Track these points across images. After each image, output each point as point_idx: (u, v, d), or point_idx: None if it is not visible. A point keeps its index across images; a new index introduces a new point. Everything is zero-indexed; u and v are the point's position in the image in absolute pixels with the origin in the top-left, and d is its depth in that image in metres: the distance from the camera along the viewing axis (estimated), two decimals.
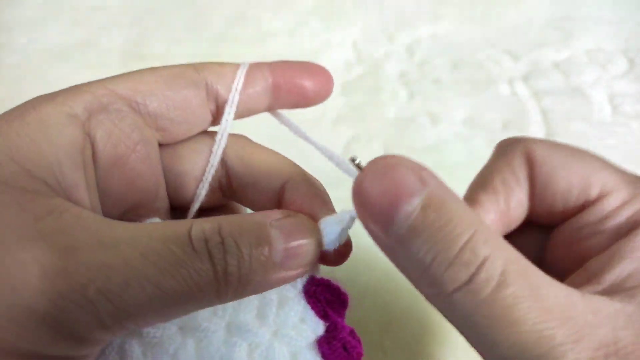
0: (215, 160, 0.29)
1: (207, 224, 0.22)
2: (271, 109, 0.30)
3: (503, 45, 0.68)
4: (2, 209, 0.21)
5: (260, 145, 0.31)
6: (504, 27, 0.71)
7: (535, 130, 0.58)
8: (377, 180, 0.20)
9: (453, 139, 0.57)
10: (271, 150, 0.31)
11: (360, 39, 0.70)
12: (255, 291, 0.23)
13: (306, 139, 0.29)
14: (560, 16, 0.71)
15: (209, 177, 0.29)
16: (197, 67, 0.28)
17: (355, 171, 0.24)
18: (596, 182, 0.25)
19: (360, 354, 0.28)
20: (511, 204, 0.27)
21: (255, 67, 0.29)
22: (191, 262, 0.21)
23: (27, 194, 0.21)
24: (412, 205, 0.20)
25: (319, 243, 0.25)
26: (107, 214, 0.26)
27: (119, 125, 0.26)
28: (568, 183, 0.26)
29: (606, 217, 0.25)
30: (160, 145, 0.29)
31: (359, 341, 0.29)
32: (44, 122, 0.23)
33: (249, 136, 0.31)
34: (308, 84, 0.29)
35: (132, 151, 0.26)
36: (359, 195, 0.21)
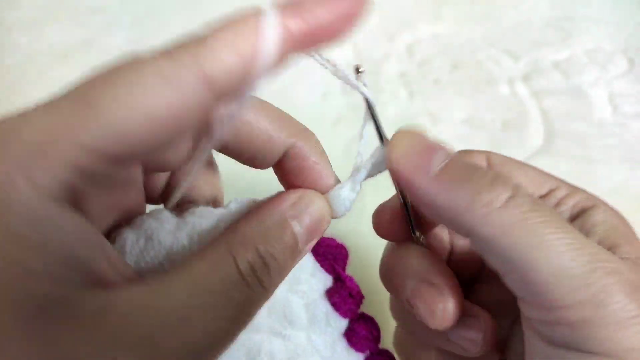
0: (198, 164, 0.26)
1: (248, 253, 0.23)
2: (298, 51, 0.23)
3: (503, 45, 0.68)
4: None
5: (265, 102, 0.28)
6: (504, 27, 0.71)
7: (535, 130, 0.58)
8: (410, 139, 0.25)
9: (453, 139, 0.57)
10: (277, 109, 0.28)
11: (360, 39, 0.70)
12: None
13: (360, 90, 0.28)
14: (560, 16, 0.71)
15: (192, 172, 0.26)
16: (206, 67, 0.20)
17: (357, 83, 0.27)
18: (545, 183, 0.29)
19: (362, 297, 0.33)
20: None
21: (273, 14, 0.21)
22: (249, 297, 0.22)
23: (67, 303, 0.18)
24: (442, 154, 0.24)
25: (329, 216, 0.27)
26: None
27: (106, 186, 0.23)
28: (524, 181, 0.29)
29: (557, 205, 0.28)
30: None
31: (358, 287, 0.33)
32: (38, 218, 0.18)
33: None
34: (334, 20, 0.23)
35: (122, 195, 0.25)
36: (396, 149, 0.25)
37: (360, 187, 0.28)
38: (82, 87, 0.19)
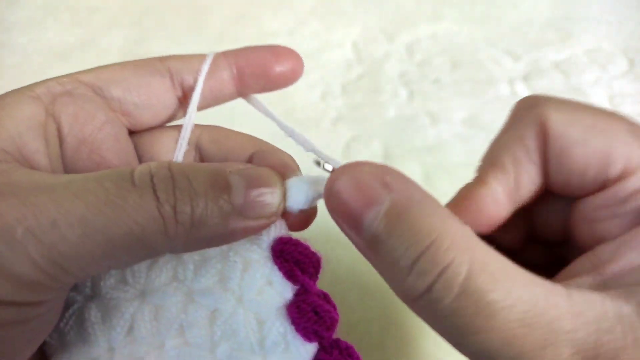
0: (184, 141, 0.30)
1: (155, 163, 0.21)
2: (241, 95, 0.31)
3: (503, 45, 0.68)
4: None
5: (235, 131, 0.31)
6: (504, 27, 0.71)
7: None
8: (345, 188, 0.21)
9: (453, 139, 0.57)
10: (245, 133, 0.31)
11: (360, 39, 0.70)
12: (214, 240, 0.22)
13: (278, 123, 0.29)
14: (560, 16, 0.71)
15: (179, 157, 0.29)
16: (162, 59, 0.29)
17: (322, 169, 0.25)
18: (618, 160, 0.23)
19: (335, 320, 0.25)
20: (522, 182, 0.25)
21: (220, 56, 0.30)
22: (126, 195, 0.20)
23: None
24: (375, 213, 0.20)
25: (283, 197, 0.24)
26: None
27: (84, 107, 0.27)
28: (585, 160, 0.23)
29: (626, 200, 0.23)
30: (131, 132, 0.30)
31: (334, 306, 0.26)
32: (7, 104, 0.25)
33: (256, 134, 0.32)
34: (274, 67, 0.30)
35: (98, 130, 0.27)
36: (331, 200, 0.21)
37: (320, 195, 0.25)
38: None
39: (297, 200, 0.24)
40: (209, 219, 0.21)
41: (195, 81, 0.29)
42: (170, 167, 0.21)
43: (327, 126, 0.58)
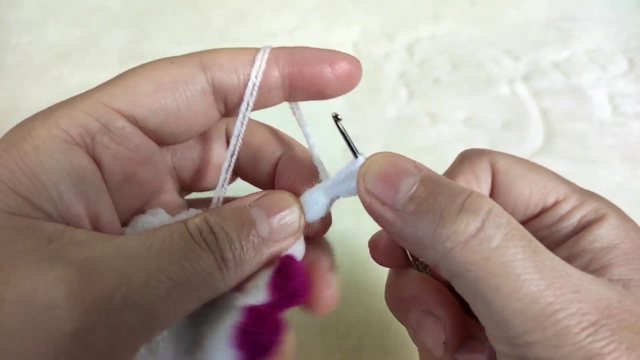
0: (233, 157, 0.29)
1: (197, 219, 0.24)
2: (288, 100, 0.29)
3: (503, 45, 0.68)
4: (12, 234, 0.21)
5: (255, 122, 0.31)
6: (504, 27, 0.71)
7: (535, 130, 0.58)
8: (382, 165, 0.24)
9: (453, 139, 0.57)
10: (268, 127, 0.31)
11: (360, 39, 0.70)
12: (256, 266, 0.25)
13: (307, 140, 0.29)
14: (560, 16, 0.71)
15: (229, 173, 0.29)
16: (204, 63, 0.26)
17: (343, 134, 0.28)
18: (552, 192, 0.28)
19: (269, 350, 0.24)
20: None
21: (271, 58, 0.27)
22: (195, 251, 0.22)
23: (35, 221, 0.22)
24: (411, 181, 0.23)
25: (301, 213, 0.26)
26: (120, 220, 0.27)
27: (123, 144, 0.25)
28: (528, 192, 0.28)
29: (560, 219, 0.28)
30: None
31: (276, 330, 0.25)
32: (40, 150, 0.23)
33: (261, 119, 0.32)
34: (329, 76, 0.27)
35: (139, 165, 0.27)
36: (367, 176, 0.24)
37: (336, 196, 0.28)
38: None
39: (314, 212, 0.27)
40: (247, 255, 0.24)
41: (243, 91, 0.27)
42: (207, 221, 0.24)
43: (327, 126, 0.58)
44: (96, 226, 0.25)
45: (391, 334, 0.42)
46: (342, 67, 0.27)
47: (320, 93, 0.28)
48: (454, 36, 0.70)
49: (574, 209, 0.27)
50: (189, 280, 0.22)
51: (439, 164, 0.54)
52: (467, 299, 0.23)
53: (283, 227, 0.25)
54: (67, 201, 0.23)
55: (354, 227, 0.46)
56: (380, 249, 0.31)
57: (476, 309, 0.23)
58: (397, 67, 0.66)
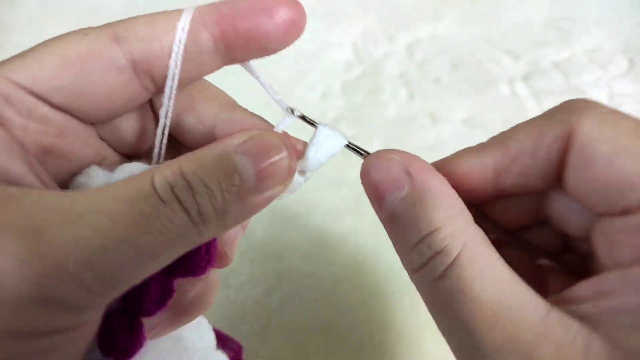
0: (162, 140, 0.26)
1: (167, 171, 0.21)
2: (228, 63, 0.25)
3: (503, 45, 0.68)
4: None
5: (205, 82, 0.28)
6: (504, 27, 0.71)
7: None
8: (376, 171, 0.25)
9: (453, 139, 0.57)
10: (197, 82, 0.27)
11: (360, 39, 0.70)
12: (240, 218, 0.23)
13: (268, 91, 0.26)
14: (560, 16, 0.71)
15: (163, 148, 0.26)
16: (119, 33, 0.23)
17: (293, 119, 0.26)
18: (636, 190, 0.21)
19: None
20: (522, 169, 0.25)
21: (196, 18, 0.23)
22: (161, 214, 0.20)
23: None
24: (396, 196, 0.24)
25: (291, 155, 0.24)
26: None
27: (30, 118, 0.23)
28: (605, 181, 0.22)
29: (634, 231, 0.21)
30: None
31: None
32: None
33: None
34: (268, 26, 0.23)
35: (57, 138, 0.25)
36: (364, 179, 0.25)
37: (310, 174, 0.27)
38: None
39: (316, 162, 0.26)
40: (230, 207, 0.22)
41: (167, 63, 0.23)
42: (183, 173, 0.21)
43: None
44: (45, 186, 0.23)
45: (391, 334, 0.42)
46: (282, 13, 0.23)
47: (262, 48, 0.24)
48: (454, 36, 0.70)
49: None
50: (154, 245, 0.20)
51: None
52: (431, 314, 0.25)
53: (273, 175, 0.23)
54: (3, 163, 0.22)
55: (354, 227, 0.46)
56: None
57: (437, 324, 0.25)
58: (397, 67, 0.66)
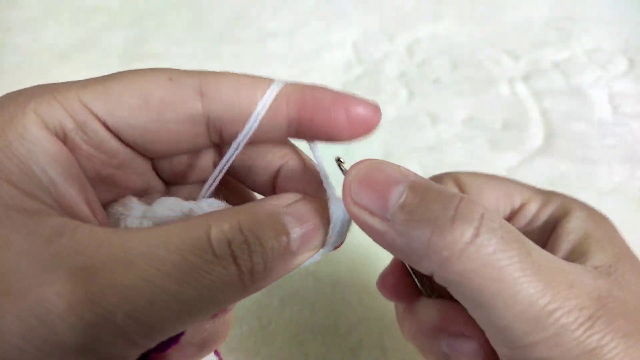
0: (219, 175, 0.27)
1: (225, 224, 0.21)
2: (291, 137, 0.26)
3: (503, 45, 0.68)
4: (10, 234, 0.20)
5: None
6: (504, 27, 0.71)
7: (535, 130, 0.58)
8: (368, 173, 0.23)
9: (453, 139, 0.57)
10: None
11: (360, 39, 0.70)
12: (275, 279, 0.23)
13: (324, 177, 0.26)
14: (560, 16, 0.71)
15: (214, 183, 0.27)
16: (204, 89, 0.24)
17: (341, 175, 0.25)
18: (516, 195, 0.29)
19: None
20: None
21: (280, 96, 0.24)
22: (213, 269, 0.20)
23: (32, 216, 0.20)
24: (400, 189, 0.22)
25: (325, 229, 0.24)
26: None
27: (97, 148, 0.23)
28: (495, 198, 0.29)
29: (532, 220, 0.29)
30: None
31: None
32: (26, 140, 0.21)
33: None
34: (342, 122, 0.24)
35: (116, 169, 0.25)
36: (351, 190, 0.23)
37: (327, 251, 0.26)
38: (110, 74, 0.24)
39: (338, 232, 0.25)
40: (275, 268, 0.22)
41: (238, 129, 0.24)
42: (241, 229, 0.21)
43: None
44: (94, 214, 0.23)
45: (391, 334, 0.42)
46: (359, 112, 0.24)
47: (330, 138, 0.25)
48: (454, 36, 0.70)
49: (541, 208, 0.29)
50: (201, 301, 0.20)
51: (439, 164, 0.55)
52: (466, 305, 0.23)
53: (310, 241, 0.23)
54: (61, 188, 0.21)
55: (353, 227, 0.46)
56: (388, 287, 0.30)
57: (476, 314, 0.23)
58: (397, 67, 0.66)
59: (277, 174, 0.27)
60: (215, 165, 0.28)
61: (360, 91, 0.64)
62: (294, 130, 0.25)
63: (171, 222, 0.24)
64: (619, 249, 0.26)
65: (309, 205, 0.24)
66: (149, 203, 0.26)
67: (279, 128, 0.25)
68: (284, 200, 0.23)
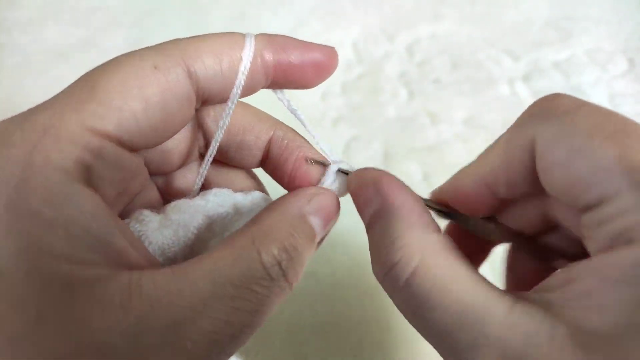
0: (214, 148, 0.27)
1: (273, 247, 0.23)
2: (266, 87, 0.27)
3: (503, 45, 0.68)
4: (84, 311, 0.18)
5: (239, 102, 0.28)
6: (504, 27, 0.71)
7: None
8: (354, 188, 0.28)
9: (453, 139, 0.57)
10: (249, 107, 0.29)
11: (360, 39, 0.70)
12: None
13: (303, 124, 0.29)
14: (560, 16, 0.71)
15: (209, 161, 0.28)
16: (188, 63, 0.23)
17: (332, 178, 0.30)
18: (594, 187, 0.22)
19: None
20: (504, 179, 0.27)
21: (256, 50, 0.25)
22: (271, 291, 0.22)
23: (95, 284, 0.19)
24: (368, 210, 0.26)
25: (338, 208, 0.28)
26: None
27: (117, 169, 0.23)
28: (565, 183, 0.23)
29: (599, 225, 0.22)
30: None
31: None
32: (54, 203, 0.19)
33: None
34: (310, 67, 0.27)
35: (129, 181, 0.25)
36: (351, 195, 0.28)
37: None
38: (85, 77, 0.22)
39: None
40: (306, 262, 0.25)
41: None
42: (286, 248, 0.23)
43: (328, 126, 0.58)
44: (131, 245, 0.22)
45: (391, 334, 0.42)
46: (321, 57, 0.27)
47: (299, 83, 0.27)
48: (454, 36, 0.70)
49: (620, 213, 0.21)
50: (263, 318, 0.22)
51: (439, 164, 0.54)
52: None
53: (327, 227, 0.27)
54: (106, 238, 0.20)
55: (354, 227, 0.46)
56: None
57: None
58: (397, 67, 0.66)
59: (269, 144, 0.29)
60: (201, 141, 0.29)
61: (360, 91, 0.64)
62: (270, 79, 0.26)
63: (214, 222, 0.27)
64: None
65: (324, 196, 0.27)
66: (157, 212, 0.26)
67: (258, 79, 0.26)
68: (304, 199, 0.26)
